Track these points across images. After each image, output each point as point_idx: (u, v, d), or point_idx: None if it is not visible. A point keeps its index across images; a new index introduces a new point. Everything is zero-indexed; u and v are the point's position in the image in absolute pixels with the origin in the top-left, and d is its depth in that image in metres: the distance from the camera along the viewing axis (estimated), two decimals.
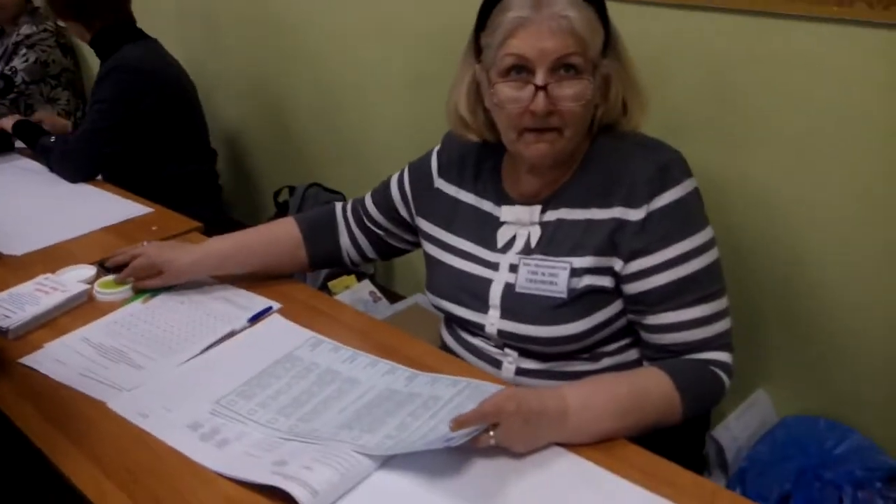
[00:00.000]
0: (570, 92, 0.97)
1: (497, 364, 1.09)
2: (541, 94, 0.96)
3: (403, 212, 1.22)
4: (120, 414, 0.95)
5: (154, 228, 1.50)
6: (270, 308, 1.18)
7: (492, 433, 0.84)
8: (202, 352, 1.07)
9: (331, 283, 2.05)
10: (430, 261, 1.19)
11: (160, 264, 1.22)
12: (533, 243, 1.06)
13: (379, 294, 2.06)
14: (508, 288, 1.05)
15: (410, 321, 1.94)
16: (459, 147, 1.17)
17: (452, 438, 0.81)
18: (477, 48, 1.05)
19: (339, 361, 1.04)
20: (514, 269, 1.06)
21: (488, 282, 1.07)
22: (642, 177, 0.99)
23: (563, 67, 0.96)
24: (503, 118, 1.01)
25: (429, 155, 1.22)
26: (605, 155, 1.04)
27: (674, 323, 0.99)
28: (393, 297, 2.10)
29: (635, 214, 0.99)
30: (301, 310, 1.18)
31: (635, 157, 1.01)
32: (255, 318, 1.15)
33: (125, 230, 1.50)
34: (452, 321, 1.16)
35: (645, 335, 1.02)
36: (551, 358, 1.05)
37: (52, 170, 1.86)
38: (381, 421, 0.90)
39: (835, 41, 1.17)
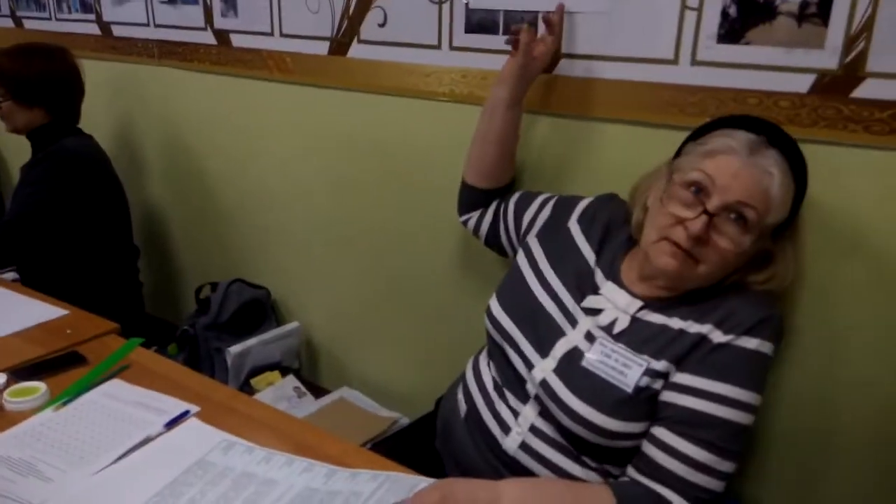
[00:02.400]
0: (730, 234, 0.99)
1: (505, 429, 1.11)
2: (703, 218, 0.97)
3: (524, 223, 1.30)
4: None
5: (69, 332, 1.48)
6: (188, 412, 1.18)
7: None
8: (115, 461, 1.05)
9: (253, 381, 2.03)
10: (515, 278, 1.20)
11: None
12: (616, 329, 1.07)
13: (304, 389, 2.06)
14: (576, 352, 1.06)
15: (336, 416, 1.94)
16: (606, 213, 1.21)
17: None
18: (678, 152, 1.09)
19: (254, 463, 1.04)
20: (590, 337, 1.07)
21: (560, 332, 1.09)
22: (744, 314, 1.00)
23: (735, 213, 0.98)
24: (657, 218, 1.04)
25: (577, 200, 1.27)
26: (721, 290, 1.06)
27: (671, 447, 0.98)
28: (318, 392, 2.10)
29: (719, 337, 1.00)
30: (219, 412, 1.18)
31: (748, 300, 1.03)
32: (172, 423, 1.14)
33: (37, 335, 1.47)
34: (497, 349, 1.18)
35: (644, 440, 1.03)
36: (567, 441, 1.06)
37: None
38: None
39: None
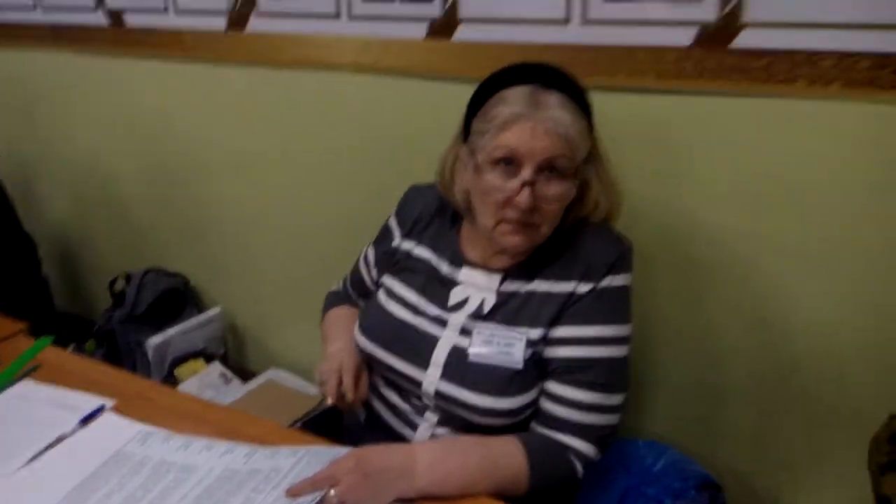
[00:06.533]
0: (554, 192, 1.00)
1: (412, 426, 1.11)
2: (526, 190, 0.98)
3: (369, 285, 1.26)
4: None
5: None
6: (103, 407, 1.15)
7: (332, 492, 0.87)
8: (29, 461, 1.03)
9: (177, 371, 2.00)
10: (373, 307, 1.18)
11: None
12: (486, 309, 1.08)
13: (230, 374, 2.04)
14: (457, 351, 1.06)
15: (264, 398, 1.93)
16: (420, 205, 1.20)
17: None
18: (466, 130, 1.07)
19: (173, 450, 1.03)
20: (465, 332, 1.07)
21: (433, 339, 1.08)
22: (601, 258, 1.05)
23: (549, 168, 1.00)
24: (486, 205, 1.04)
25: (386, 222, 1.25)
26: (569, 236, 1.09)
27: (560, 396, 1.03)
28: (246, 376, 2.08)
29: (582, 288, 1.04)
30: (135, 404, 1.16)
31: (598, 241, 1.07)
32: (87, 419, 1.12)
33: None
34: (377, 370, 1.16)
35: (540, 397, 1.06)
36: (474, 430, 1.06)
37: None
38: (224, 502, 0.91)
39: None
